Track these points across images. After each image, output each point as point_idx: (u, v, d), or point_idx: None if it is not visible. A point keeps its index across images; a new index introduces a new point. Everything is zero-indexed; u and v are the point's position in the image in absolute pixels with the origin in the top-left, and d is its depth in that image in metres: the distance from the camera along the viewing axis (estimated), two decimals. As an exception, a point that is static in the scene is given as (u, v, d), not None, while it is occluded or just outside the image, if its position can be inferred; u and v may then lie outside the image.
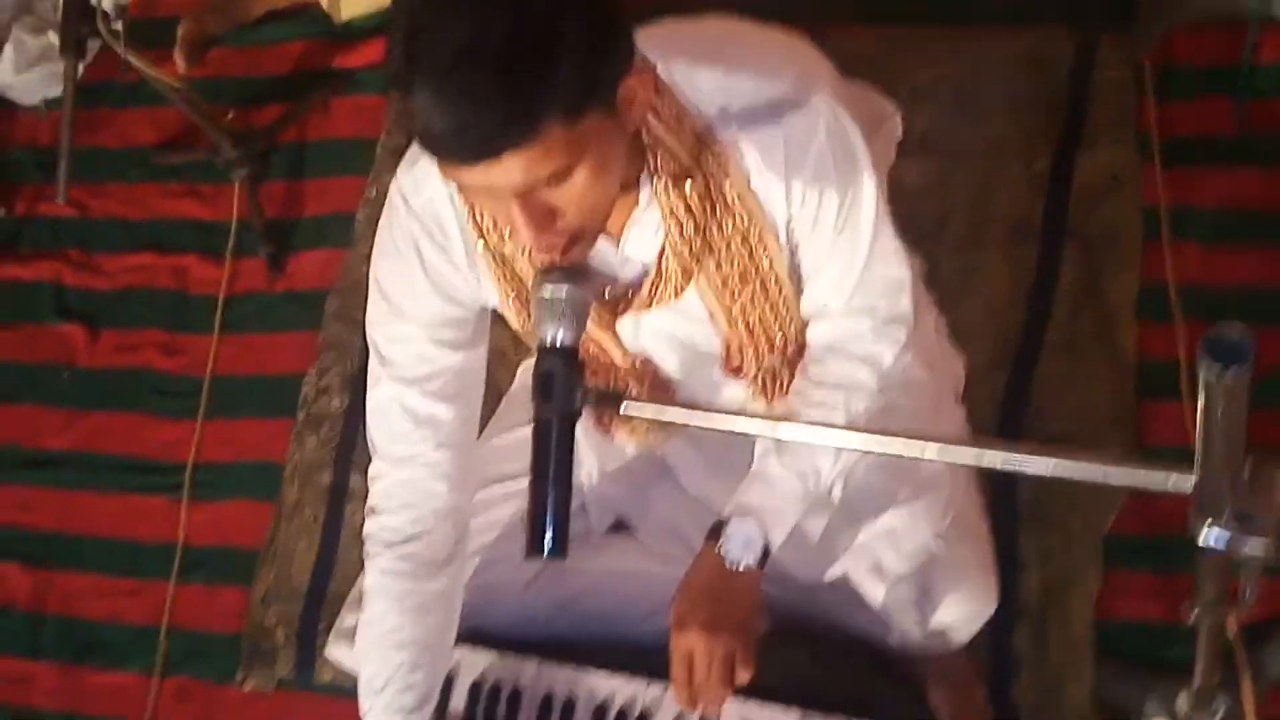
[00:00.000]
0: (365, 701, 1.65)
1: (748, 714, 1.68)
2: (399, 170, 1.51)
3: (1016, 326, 2.01)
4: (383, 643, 1.62)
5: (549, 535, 1.26)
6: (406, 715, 1.62)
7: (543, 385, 1.23)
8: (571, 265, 1.30)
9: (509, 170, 1.18)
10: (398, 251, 1.51)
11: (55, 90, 2.82)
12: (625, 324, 1.58)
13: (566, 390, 1.23)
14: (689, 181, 1.38)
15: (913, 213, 2.08)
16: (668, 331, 1.61)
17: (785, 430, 1.26)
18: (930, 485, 1.72)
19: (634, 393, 1.76)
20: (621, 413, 1.22)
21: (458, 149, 1.17)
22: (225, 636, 2.26)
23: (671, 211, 1.40)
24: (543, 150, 1.17)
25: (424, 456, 1.59)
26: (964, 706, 1.86)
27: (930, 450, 1.13)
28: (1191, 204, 2.08)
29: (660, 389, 1.77)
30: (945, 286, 2.03)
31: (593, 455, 1.88)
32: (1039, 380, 1.97)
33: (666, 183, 1.38)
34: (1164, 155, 2.10)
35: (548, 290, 1.26)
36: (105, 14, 2.14)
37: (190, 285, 2.60)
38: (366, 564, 1.64)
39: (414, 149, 1.50)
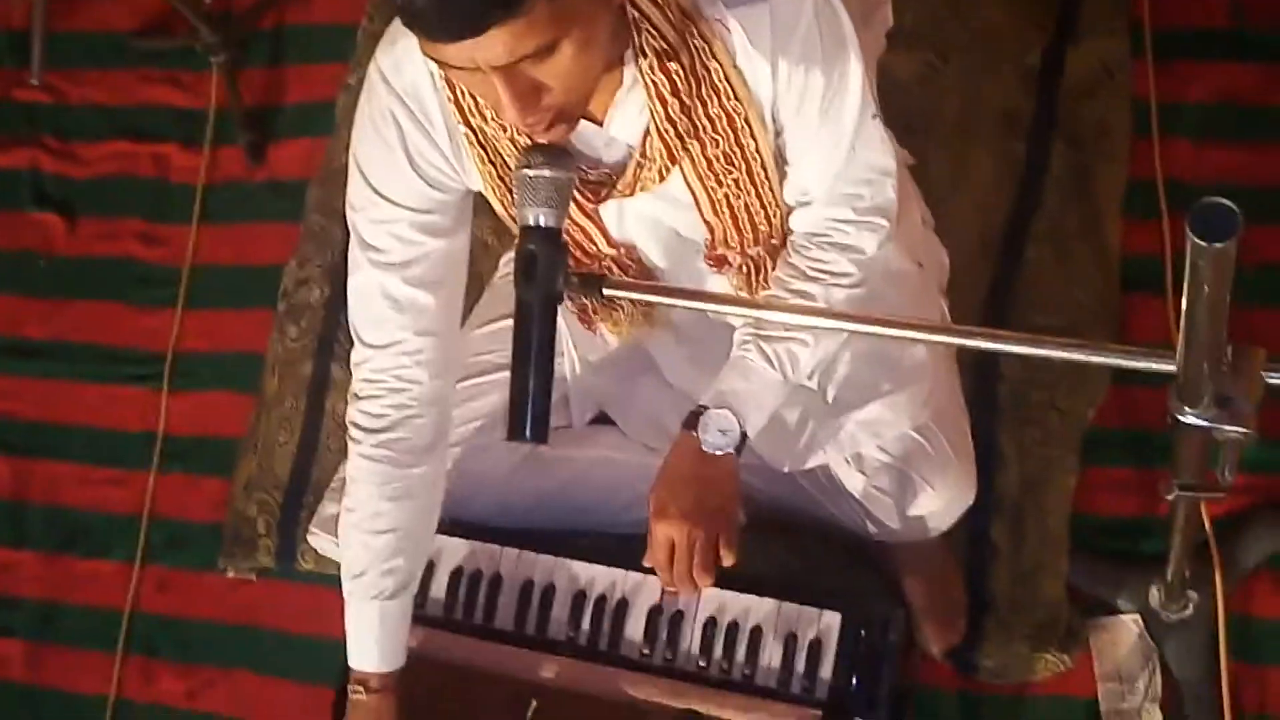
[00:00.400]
0: (346, 585, 1.65)
1: (725, 602, 1.69)
2: (378, 50, 1.48)
3: (1003, 219, 2.00)
4: (363, 527, 1.62)
5: (529, 418, 1.25)
6: (385, 600, 1.63)
7: (525, 266, 1.22)
8: (554, 145, 1.28)
9: (493, 45, 1.15)
10: (378, 133, 1.48)
11: (29, -28, 2.75)
12: (609, 209, 1.56)
13: (549, 272, 1.22)
14: (675, 59, 1.36)
15: (902, 105, 2.06)
16: (653, 218, 1.59)
17: (767, 312, 1.26)
18: (911, 378, 1.72)
19: (619, 281, 1.76)
20: (603, 293, 1.20)
21: (442, 25, 1.14)
22: (206, 526, 2.27)
23: (657, 91, 1.37)
24: (527, 24, 1.14)
25: (405, 343, 1.58)
26: (939, 596, 1.88)
27: (919, 334, 1.13)
28: (1183, 99, 2.06)
29: (645, 279, 1.76)
30: (933, 180, 2.01)
31: (574, 347, 1.87)
32: (1024, 273, 1.96)
33: (652, 61, 1.35)
34: (1156, 48, 2.07)
35: (530, 171, 1.24)
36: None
37: (170, 173, 2.56)
38: (349, 450, 1.64)
39: (394, 27, 1.47)
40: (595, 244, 1.66)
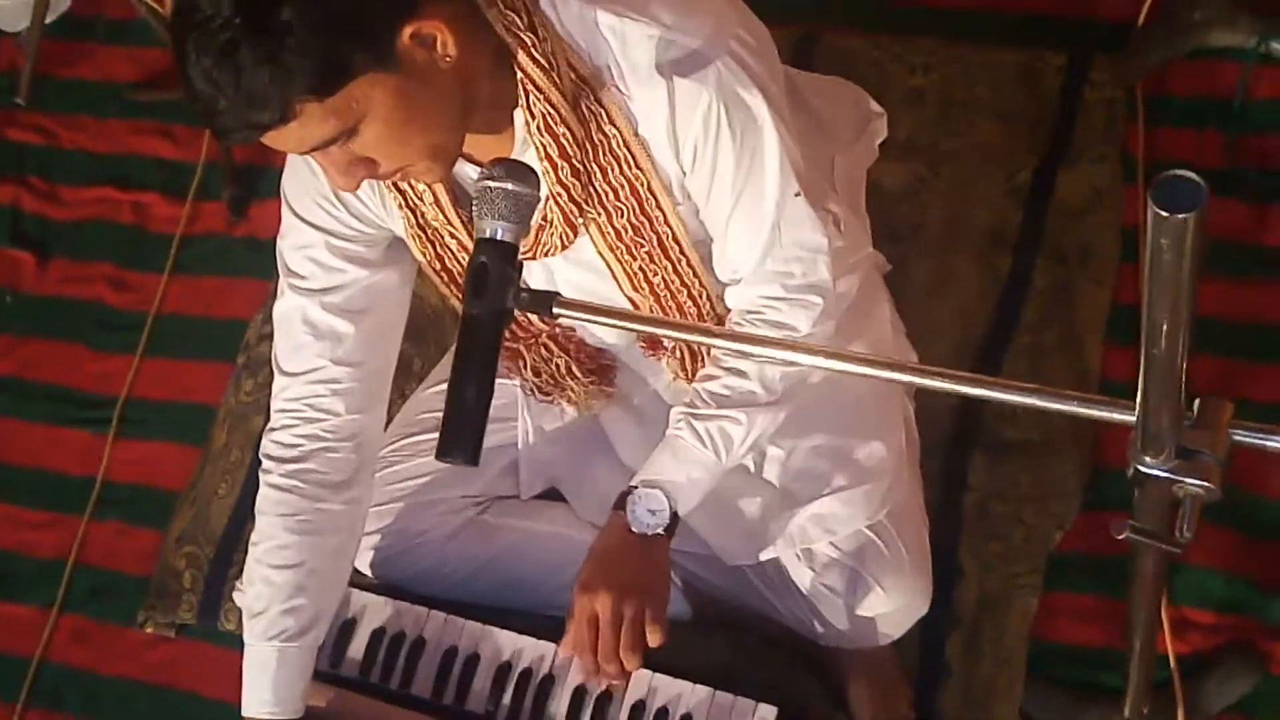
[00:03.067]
0: (246, 625, 1.57)
1: (656, 686, 1.60)
2: None
3: (982, 331, 1.95)
4: (266, 561, 1.56)
5: (463, 436, 1.18)
6: (284, 642, 1.54)
7: (475, 278, 1.16)
8: (518, 161, 1.24)
9: (280, 142, 1.19)
10: (306, 162, 1.46)
11: (40, 20, 2.77)
12: (535, 274, 1.53)
13: (500, 287, 1.16)
14: (563, 124, 1.33)
15: (888, 213, 2.04)
16: (587, 291, 1.55)
17: (724, 341, 1.20)
18: (870, 474, 1.66)
19: (572, 369, 1.72)
20: (553, 312, 1.15)
21: (223, 132, 1.18)
22: (134, 578, 2.18)
23: (545, 153, 1.36)
24: (301, 126, 1.17)
25: (321, 371, 1.55)
26: (886, 709, 1.77)
27: (876, 369, 1.07)
28: (1172, 231, 2.03)
29: (592, 360, 1.72)
30: (913, 286, 1.98)
31: (529, 417, 1.82)
32: (999, 387, 1.90)
33: (539, 123, 1.33)
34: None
35: (491, 182, 1.20)
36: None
37: (149, 222, 2.53)
38: (260, 483, 1.57)
39: None
40: (526, 317, 1.63)
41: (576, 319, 1.16)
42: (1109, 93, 2.11)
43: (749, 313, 1.53)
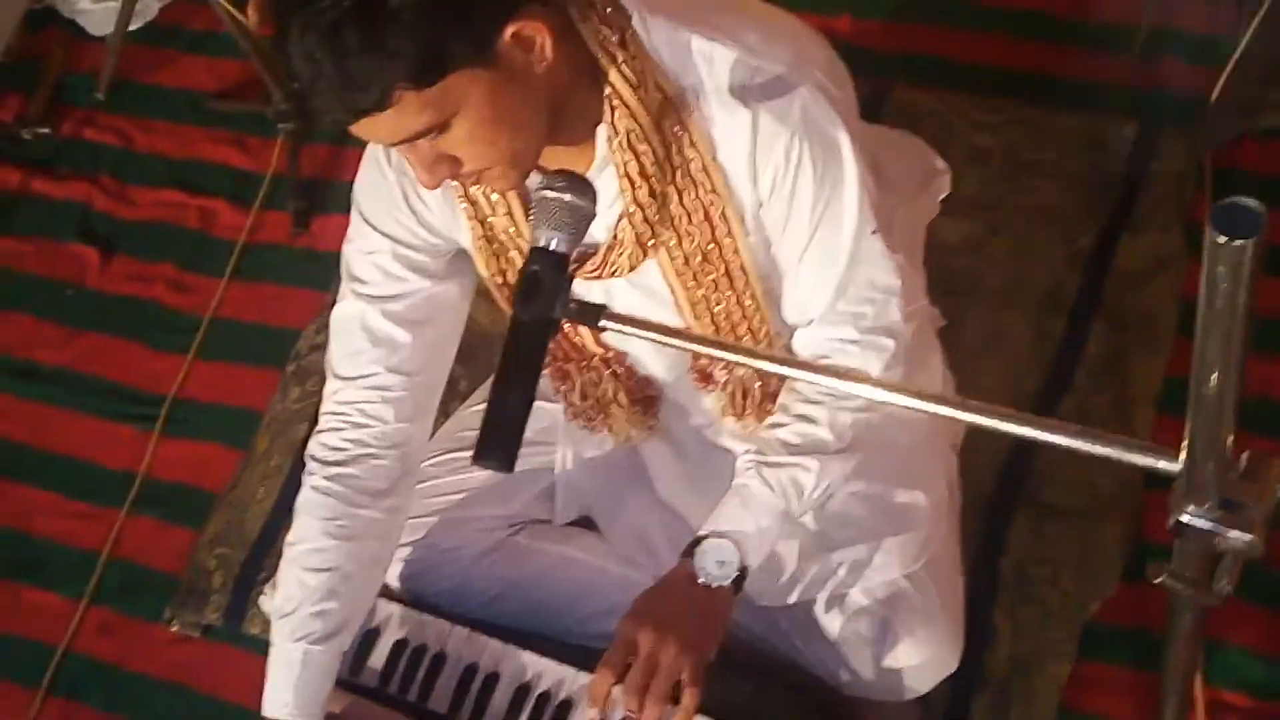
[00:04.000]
0: (274, 624, 1.56)
1: (675, 721, 1.57)
2: None
3: (1034, 392, 1.93)
4: (301, 562, 1.55)
5: (501, 442, 1.18)
6: (310, 644, 1.53)
7: (526, 285, 1.17)
8: (578, 174, 1.24)
9: (372, 131, 1.20)
10: (379, 168, 1.48)
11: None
12: (594, 296, 1.52)
13: (550, 294, 1.16)
14: (645, 141, 1.33)
15: (946, 267, 2.03)
16: (639, 314, 1.55)
17: (776, 366, 1.18)
18: (910, 524, 1.64)
19: (619, 396, 1.71)
20: (600, 324, 1.14)
21: (318, 120, 1.20)
22: (165, 575, 2.18)
23: (625, 170, 1.35)
24: (396, 114, 1.17)
25: (374, 378, 1.55)
26: (906, 765, 1.73)
27: (911, 400, 1.06)
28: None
29: (640, 391, 1.71)
30: (966, 341, 1.96)
31: (569, 442, 1.81)
32: (1045, 450, 1.86)
33: (622, 140, 1.33)
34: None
35: (550, 192, 1.20)
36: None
37: (214, 228, 2.57)
38: (302, 483, 1.57)
39: None
40: (584, 341, 1.63)
41: (624, 332, 1.14)
42: (1177, 165, 2.09)
43: (819, 356, 1.51)
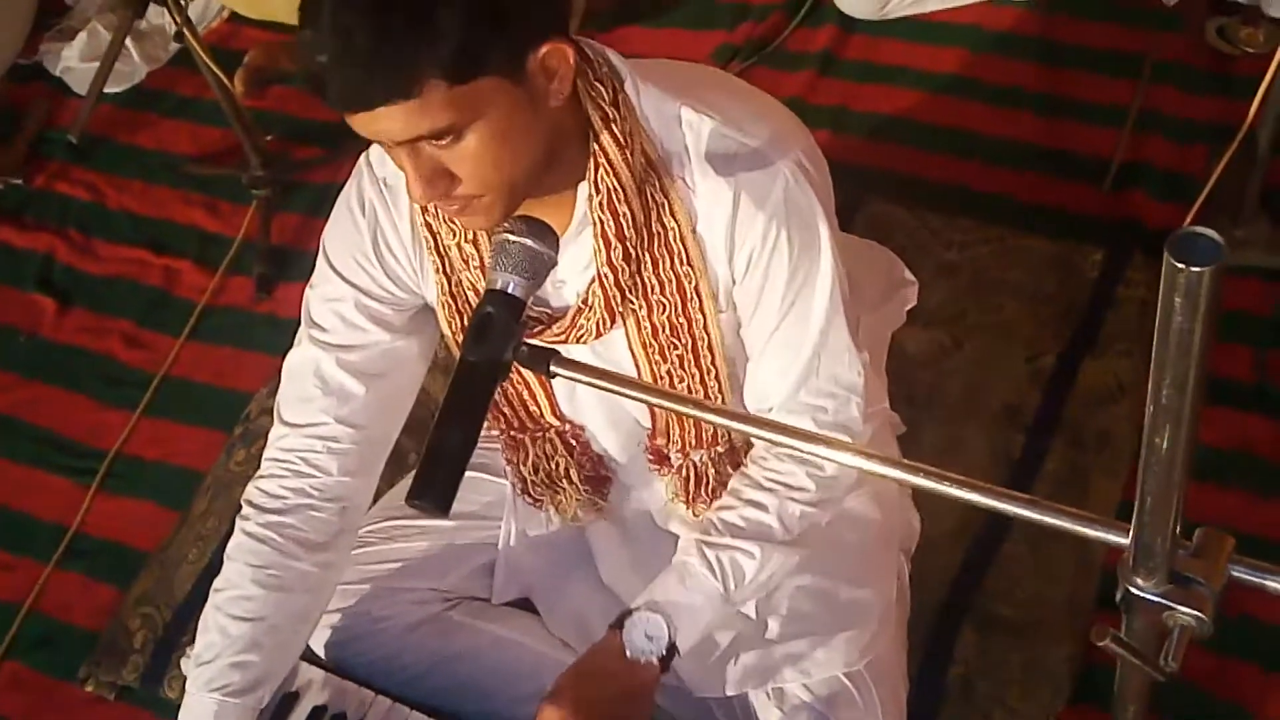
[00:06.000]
0: (190, 674, 1.50)
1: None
2: (372, 144, 1.47)
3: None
4: (226, 609, 1.49)
5: (438, 482, 1.14)
6: (226, 695, 1.47)
7: (478, 325, 1.14)
8: (542, 221, 1.23)
9: (389, 121, 1.15)
10: (351, 215, 1.47)
11: (112, 87, 2.85)
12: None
13: (502, 337, 1.14)
14: (626, 203, 1.32)
15: (907, 377, 2.03)
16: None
17: (737, 424, 1.14)
18: (855, 621, 1.60)
19: (570, 473, 1.68)
20: (550, 370, 1.11)
21: (337, 94, 1.14)
22: (86, 633, 2.10)
23: (602, 230, 1.33)
24: (420, 106, 1.14)
25: (322, 427, 1.51)
26: None
27: (864, 462, 1.03)
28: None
29: (592, 469, 1.68)
30: (924, 450, 1.95)
31: (514, 519, 1.77)
32: (998, 562, 1.84)
33: (603, 199, 1.32)
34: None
35: (511, 236, 1.19)
36: (177, -17, 2.16)
37: (176, 287, 2.55)
38: (236, 528, 1.52)
39: None
40: (541, 410, 1.60)
41: (574, 379, 1.11)
42: (1143, 292, 2.10)
43: (773, 447, 1.49)
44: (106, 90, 2.85)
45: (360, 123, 1.16)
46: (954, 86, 2.59)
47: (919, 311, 2.02)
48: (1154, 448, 0.79)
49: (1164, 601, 0.88)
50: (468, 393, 1.15)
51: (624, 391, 1.13)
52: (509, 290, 1.17)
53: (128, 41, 2.84)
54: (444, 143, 1.18)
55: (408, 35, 1.10)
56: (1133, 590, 0.89)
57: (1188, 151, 2.35)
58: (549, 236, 1.21)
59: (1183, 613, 0.88)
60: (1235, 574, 0.89)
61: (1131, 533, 0.89)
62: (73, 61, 2.88)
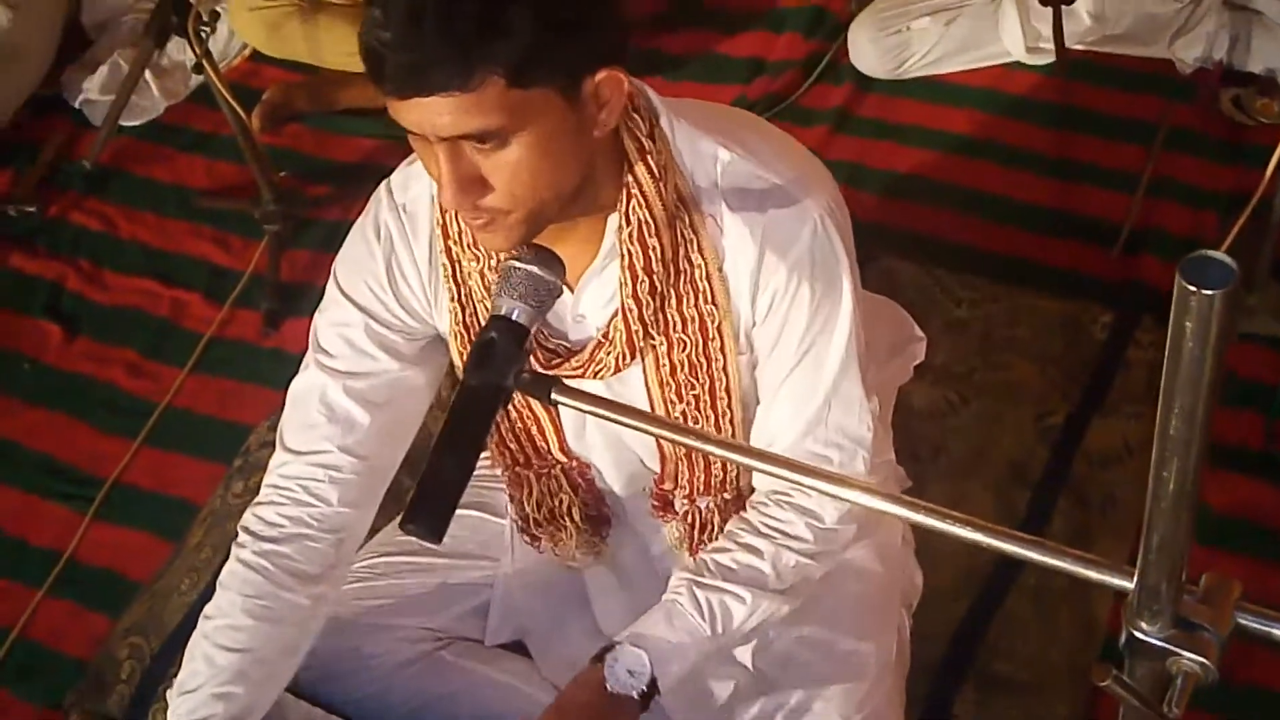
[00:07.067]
0: (172, 703, 1.47)
1: None
2: (396, 170, 1.48)
3: (991, 561, 1.87)
4: (214, 638, 1.47)
5: (433, 509, 1.12)
6: (206, 727, 1.44)
7: (481, 351, 1.13)
8: (549, 249, 1.22)
9: (440, 112, 1.14)
10: (365, 240, 1.46)
11: (130, 120, 2.87)
12: (569, 410, 1.48)
13: (504, 363, 1.13)
14: (656, 236, 1.31)
15: (913, 432, 2.01)
16: (614, 431, 1.51)
17: (747, 459, 1.12)
18: (853, 674, 1.57)
19: (573, 511, 1.66)
20: (550, 398, 1.10)
21: (395, 74, 1.13)
22: (74, 661, 2.07)
23: (630, 262, 1.32)
24: (476, 100, 1.13)
25: (325, 455, 1.49)
26: None
27: (868, 498, 1.01)
28: (1204, 501, 1.97)
29: (594, 507, 1.66)
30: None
31: (512, 560, 1.75)
32: (1000, 620, 1.82)
33: (633, 230, 1.31)
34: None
35: (517, 263, 1.18)
36: (199, 15, 2.17)
37: (183, 319, 2.54)
38: (231, 554, 1.50)
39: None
40: (548, 445, 1.59)
41: (576, 408, 1.09)
42: (1152, 355, 2.09)
43: (776, 493, 1.47)
44: (125, 123, 2.86)
45: (410, 110, 1.14)
46: (968, 147, 2.60)
47: (926, 367, 2.00)
48: (1161, 481, 0.78)
49: (1168, 646, 0.86)
50: (467, 418, 1.14)
51: (627, 421, 1.10)
52: (513, 316, 1.16)
53: (147, 75, 2.86)
54: (487, 146, 1.16)
55: (478, 25, 1.10)
56: (1136, 634, 0.87)
57: (1200, 218, 2.35)
58: (555, 265, 1.20)
59: (1187, 659, 0.86)
60: (1242, 621, 0.87)
61: (1137, 573, 0.87)
62: (93, 94, 2.89)
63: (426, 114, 1.14)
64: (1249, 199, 2.01)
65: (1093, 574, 0.92)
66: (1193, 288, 0.66)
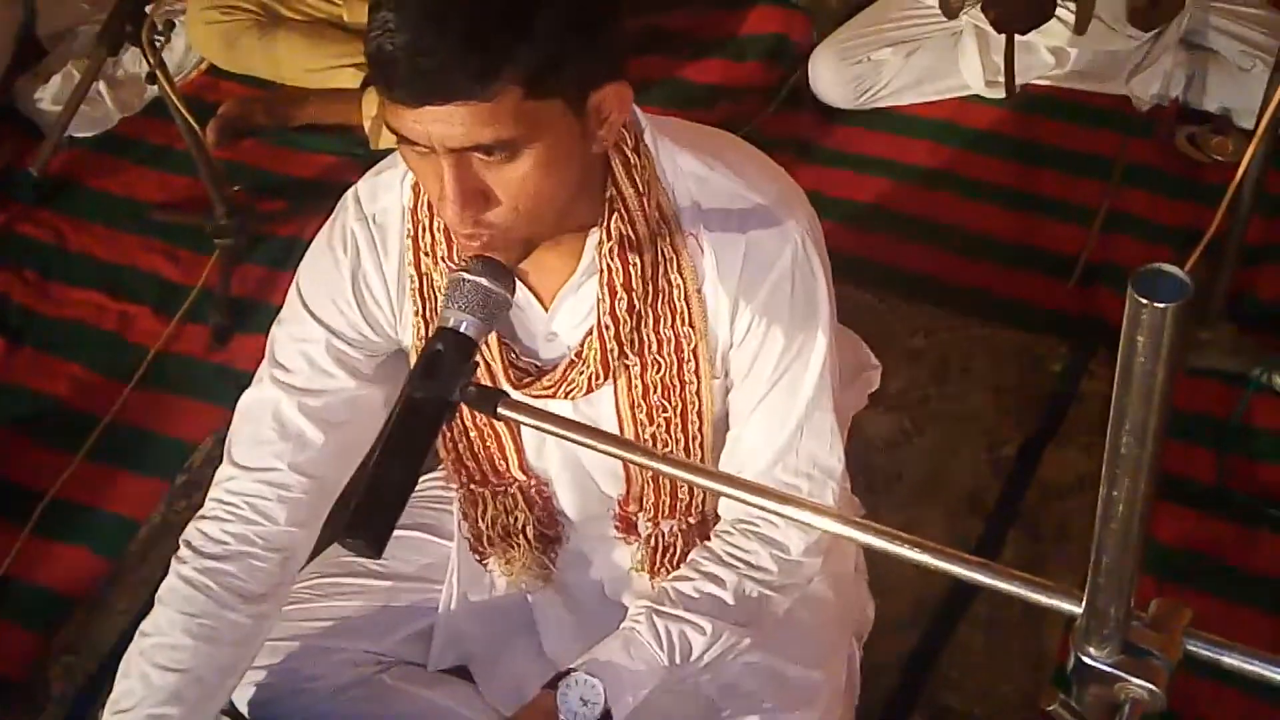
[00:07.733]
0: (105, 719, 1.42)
1: None
2: (361, 180, 1.45)
3: (943, 592, 1.86)
4: (151, 657, 1.43)
5: (373, 521, 1.09)
6: (139, 749, 1.39)
7: (427, 363, 1.10)
8: (501, 263, 1.19)
9: (453, 122, 1.10)
10: (331, 251, 1.43)
11: (82, 130, 2.83)
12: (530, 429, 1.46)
13: (450, 376, 1.10)
14: (637, 253, 1.29)
15: (866, 462, 2.00)
16: (575, 452, 1.49)
17: (712, 483, 1.09)
18: (801, 702, 1.55)
19: (526, 530, 1.63)
20: (498, 411, 1.07)
21: (409, 81, 1.09)
22: (5, 682, 2.00)
23: (609, 278, 1.30)
24: (492, 110, 1.10)
25: (274, 473, 1.45)
26: None
27: (824, 521, 0.99)
28: (1154, 536, 1.97)
29: (549, 527, 1.63)
30: (880, 534, 1.90)
31: (456, 583, 1.72)
32: (950, 651, 1.80)
33: (614, 246, 1.29)
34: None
35: (467, 275, 1.15)
36: (154, 24, 2.14)
37: (130, 333, 2.49)
38: (169, 571, 1.46)
39: (383, 163, 1.45)
40: (507, 463, 1.56)
41: (523, 422, 1.06)
42: (1106, 388, 2.07)
43: (742, 522, 1.46)
44: (78, 134, 2.83)
45: (420, 119, 1.10)
46: (927, 178, 2.61)
47: (881, 395, 1.99)
48: (1111, 501, 0.77)
49: (1116, 672, 0.85)
50: (410, 430, 1.11)
51: (578, 439, 1.07)
52: (461, 329, 1.14)
53: (101, 87, 2.83)
54: (495, 159, 1.13)
55: (502, 31, 1.07)
56: (1085, 659, 0.86)
57: (1154, 253, 2.35)
58: (505, 277, 1.18)
59: (1135, 684, 0.85)
60: (1190, 647, 0.86)
61: (1085, 597, 0.86)
62: (45, 104, 2.84)
63: (438, 124, 1.10)
64: (1203, 235, 2.02)
65: (1042, 598, 0.91)
66: (1145, 301, 0.65)
